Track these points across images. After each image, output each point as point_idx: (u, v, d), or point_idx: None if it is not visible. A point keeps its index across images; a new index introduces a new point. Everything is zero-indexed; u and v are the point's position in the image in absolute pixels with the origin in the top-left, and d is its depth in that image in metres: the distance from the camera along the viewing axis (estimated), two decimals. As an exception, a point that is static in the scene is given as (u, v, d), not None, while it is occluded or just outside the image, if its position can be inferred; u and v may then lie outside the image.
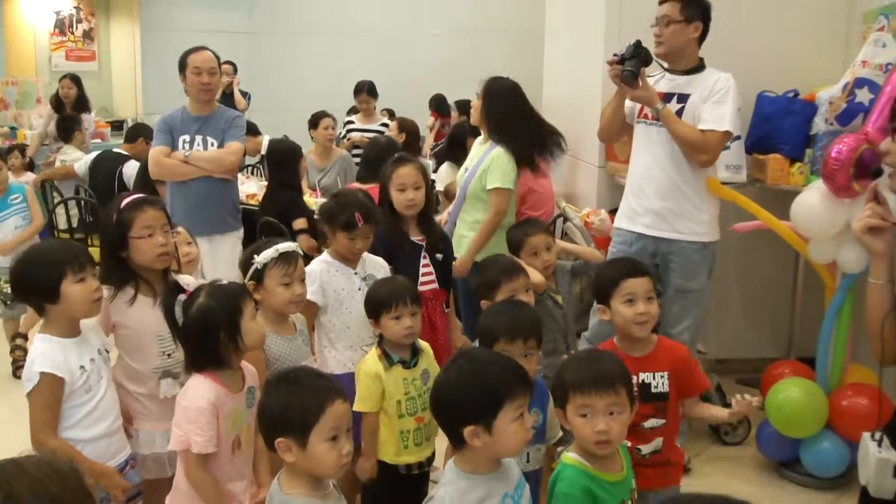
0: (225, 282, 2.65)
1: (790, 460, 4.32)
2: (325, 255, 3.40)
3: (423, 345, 3.04)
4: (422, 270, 3.73)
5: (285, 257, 2.96)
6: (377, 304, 2.95)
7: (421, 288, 3.58)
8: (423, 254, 3.73)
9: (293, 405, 2.03)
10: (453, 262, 3.95)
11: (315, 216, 5.02)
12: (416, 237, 3.73)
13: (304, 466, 2.04)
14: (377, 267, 3.43)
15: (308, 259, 3.39)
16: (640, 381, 2.74)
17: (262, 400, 2.12)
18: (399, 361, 2.96)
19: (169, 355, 2.95)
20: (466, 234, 4.40)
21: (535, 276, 3.56)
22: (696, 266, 3.99)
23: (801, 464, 4.26)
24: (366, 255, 3.40)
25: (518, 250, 3.71)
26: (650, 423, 2.72)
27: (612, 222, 4.37)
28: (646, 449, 2.74)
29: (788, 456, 4.31)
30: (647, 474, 2.73)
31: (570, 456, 2.23)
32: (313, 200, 5.73)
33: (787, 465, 4.35)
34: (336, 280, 3.33)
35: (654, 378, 2.73)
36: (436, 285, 3.77)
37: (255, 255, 2.97)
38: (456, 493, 2.01)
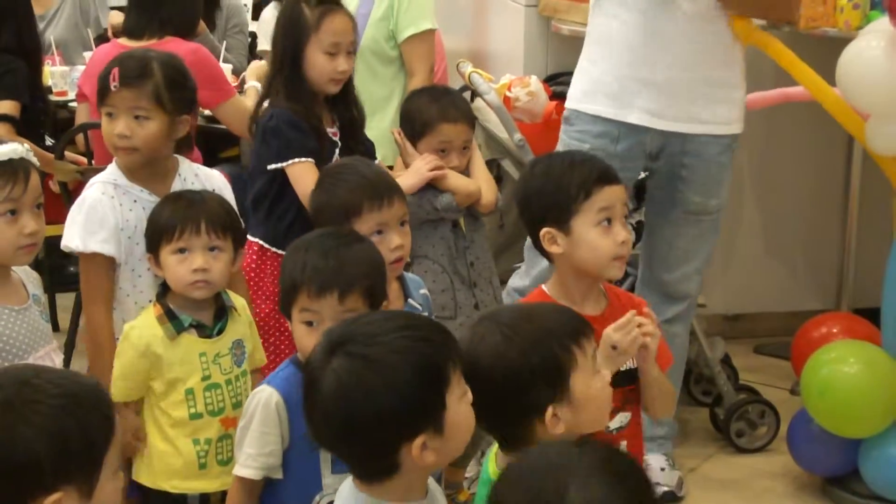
0: None
1: (843, 474, 4.12)
2: (108, 172, 3.22)
3: (238, 301, 3.01)
4: None
5: (7, 170, 2.78)
6: (155, 229, 2.94)
7: None
8: (335, 157, 3.67)
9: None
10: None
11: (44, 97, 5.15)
12: (330, 128, 3.67)
13: None
14: (208, 184, 3.27)
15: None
16: None
17: None
18: (193, 325, 2.89)
19: None
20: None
21: (464, 182, 3.65)
22: (722, 172, 4.03)
23: (860, 479, 4.04)
24: (185, 165, 3.28)
25: (419, 133, 3.69)
26: (617, 420, 2.72)
27: (548, 97, 4.42)
28: None
29: (840, 467, 4.12)
30: None
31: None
32: (49, 70, 5.54)
33: (837, 482, 4.16)
34: (133, 219, 3.14)
35: None
36: None
37: None
38: None
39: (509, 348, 2.12)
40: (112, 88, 3.03)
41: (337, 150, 3.67)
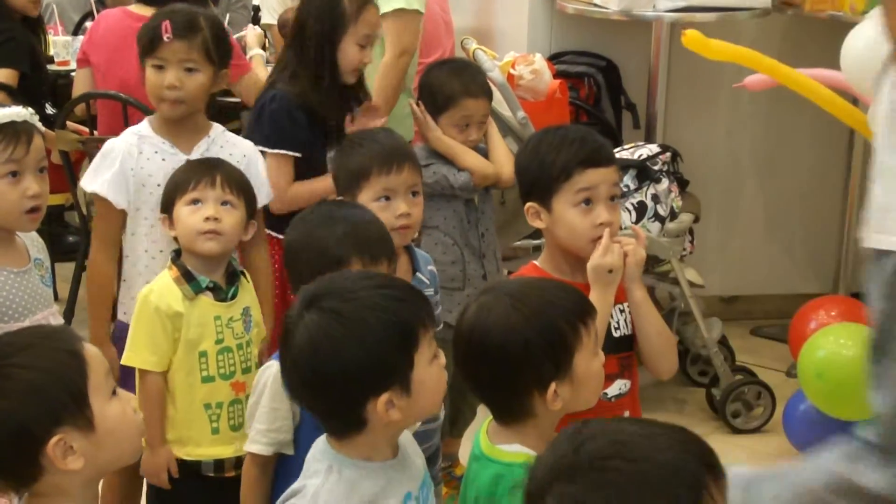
0: None
1: None
2: (142, 125, 3.23)
3: (240, 268, 3.03)
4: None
5: (9, 132, 2.75)
6: (172, 185, 2.92)
7: None
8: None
9: None
10: None
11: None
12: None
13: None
14: (237, 151, 3.27)
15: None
16: None
17: None
18: (209, 288, 2.87)
19: None
20: None
21: (482, 164, 3.63)
22: None
23: None
24: (219, 130, 3.26)
25: (441, 107, 3.66)
26: (616, 387, 2.71)
27: (552, 75, 4.36)
28: None
29: None
30: None
31: (513, 450, 2.15)
32: (51, 39, 5.51)
33: None
34: (150, 167, 3.15)
35: (613, 315, 2.72)
36: None
37: None
38: (338, 487, 1.99)
39: (520, 323, 2.13)
40: (165, 39, 3.05)
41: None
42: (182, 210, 2.89)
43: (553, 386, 2.11)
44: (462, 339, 2.18)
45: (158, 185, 3.08)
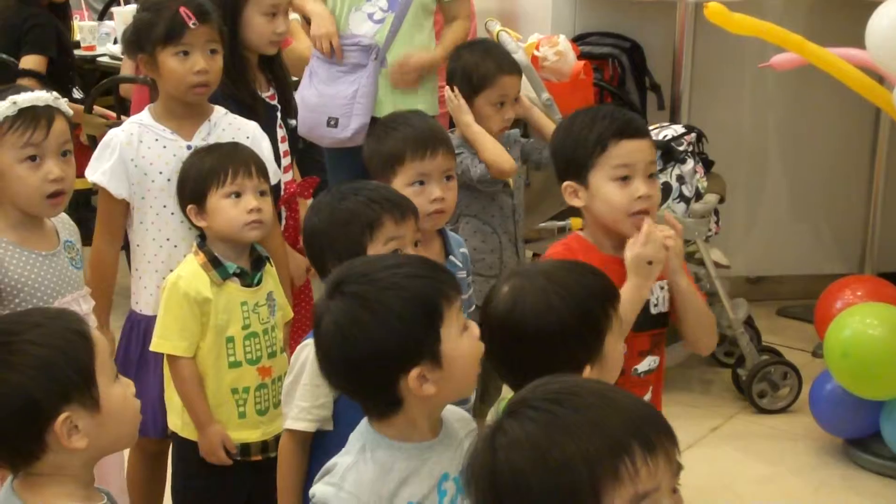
0: None
1: (864, 436, 4.13)
2: (142, 114, 3.20)
3: (265, 253, 3.01)
4: (281, 148, 3.61)
5: (29, 116, 2.73)
6: (200, 177, 2.89)
7: (284, 177, 3.58)
8: (279, 122, 3.62)
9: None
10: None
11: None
12: (265, 93, 3.61)
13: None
14: (241, 134, 3.23)
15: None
16: None
17: None
18: (236, 274, 2.87)
19: None
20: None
21: (498, 158, 3.59)
22: None
23: (881, 441, 4.05)
24: (221, 113, 3.24)
25: (477, 87, 3.65)
26: (646, 363, 2.71)
27: (576, 56, 4.31)
28: None
29: (861, 429, 4.13)
30: None
31: None
32: (77, 24, 5.51)
33: (859, 444, 4.16)
34: (150, 156, 3.12)
35: (653, 291, 2.70)
36: (292, 174, 3.72)
37: None
38: (367, 468, 1.98)
39: (558, 305, 2.13)
40: (191, 26, 3.04)
41: (278, 114, 3.64)
42: (222, 203, 2.89)
43: (588, 368, 2.11)
44: (494, 322, 2.18)
45: (160, 174, 3.08)
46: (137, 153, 3.13)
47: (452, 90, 3.70)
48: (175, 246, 3.12)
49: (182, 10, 3.12)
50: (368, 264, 2.11)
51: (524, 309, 2.14)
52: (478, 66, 3.71)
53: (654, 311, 2.73)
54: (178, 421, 2.93)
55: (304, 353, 2.55)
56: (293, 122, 3.77)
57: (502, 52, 3.79)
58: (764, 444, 4.24)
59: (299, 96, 3.97)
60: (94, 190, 5.43)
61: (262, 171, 2.95)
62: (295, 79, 4.91)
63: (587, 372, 2.11)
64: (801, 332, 4.70)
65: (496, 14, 5.06)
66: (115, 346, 2.96)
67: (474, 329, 2.06)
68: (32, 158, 2.78)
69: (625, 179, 2.69)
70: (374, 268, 2.06)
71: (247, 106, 3.50)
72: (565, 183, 2.75)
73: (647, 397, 2.78)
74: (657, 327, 2.77)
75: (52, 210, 2.86)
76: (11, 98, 2.78)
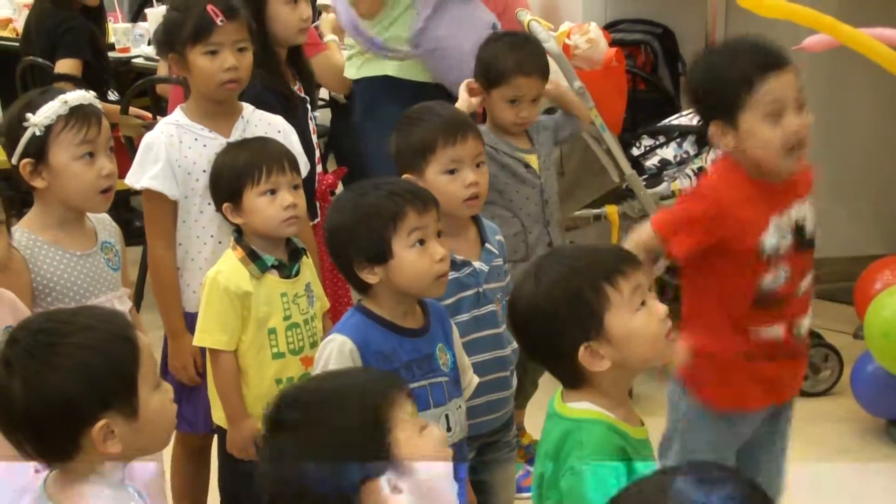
0: None
1: None
2: (176, 114, 3.22)
3: (302, 245, 3.02)
4: (313, 140, 3.67)
5: (80, 114, 2.78)
6: (234, 175, 2.90)
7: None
8: (309, 114, 3.65)
9: None
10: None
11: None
12: (294, 86, 3.62)
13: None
14: (272, 129, 3.25)
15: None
16: (794, 222, 2.81)
17: None
18: (275, 266, 2.89)
19: None
20: None
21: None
22: None
23: None
24: (250, 110, 3.25)
25: (493, 82, 3.63)
26: (806, 282, 2.84)
27: (607, 43, 4.32)
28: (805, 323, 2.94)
29: None
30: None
31: (582, 407, 2.19)
32: (112, 27, 5.60)
33: None
34: (192, 155, 3.13)
35: (806, 215, 2.82)
36: (321, 166, 3.85)
37: (29, 114, 2.80)
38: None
39: (537, 295, 2.16)
40: (219, 24, 3.05)
41: (308, 106, 3.63)
42: (258, 201, 2.89)
43: (583, 348, 2.10)
44: (510, 311, 2.24)
45: (204, 172, 3.08)
46: (180, 153, 3.14)
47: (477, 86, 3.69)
48: (219, 242, 3.12)
49: (209, 7, 3.12)
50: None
51: (515, 300, 2.20)
52: (497, 61, 3.69)
53: (808, 235, 2.80)
54: (223, 415, 2.92)
55: (329, 347, 2.56)
56: (317, 114, 3.74)
57: (530, 51, 3.75)
58: (806, 426, 3.96)
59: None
60: (131, 191, 5.54)
61: (294, 166, 2.95)
62: (333, 94, 4.98)
63: (582, 351, 2.10)
64: (842, 313, 4.61)
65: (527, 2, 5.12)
66: (196, 349, 2.98)
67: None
68: (90, 155, 2.81)
69: (776, 116, 2.66)
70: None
71: (285, 98, 3.53)
72: (712, 123, 2.73)
73: (808, 319, 2.88)
74: (811, 247, 2.84)
75: (106, 204, 2.87)
76: (61, 97, 2.80)
